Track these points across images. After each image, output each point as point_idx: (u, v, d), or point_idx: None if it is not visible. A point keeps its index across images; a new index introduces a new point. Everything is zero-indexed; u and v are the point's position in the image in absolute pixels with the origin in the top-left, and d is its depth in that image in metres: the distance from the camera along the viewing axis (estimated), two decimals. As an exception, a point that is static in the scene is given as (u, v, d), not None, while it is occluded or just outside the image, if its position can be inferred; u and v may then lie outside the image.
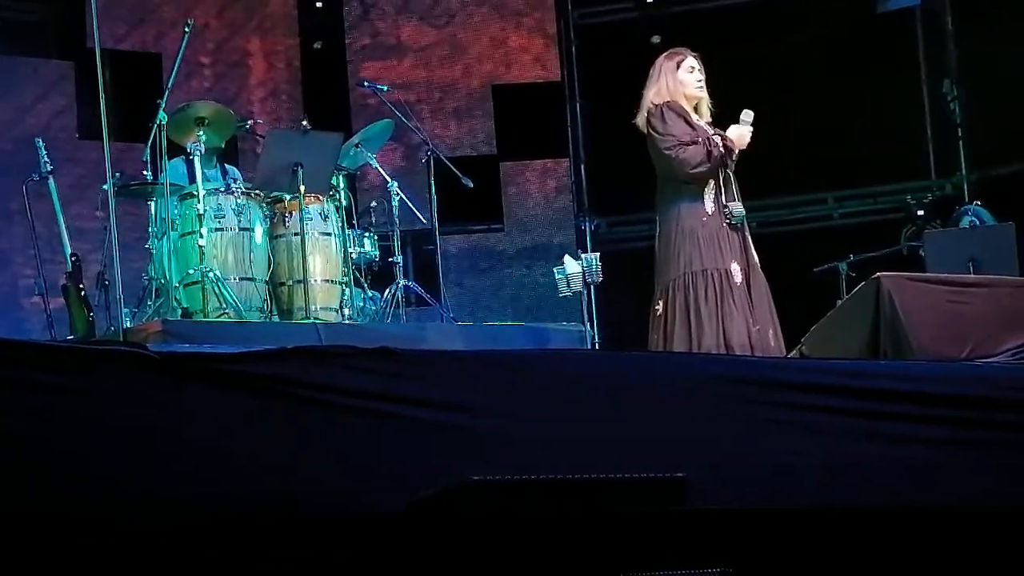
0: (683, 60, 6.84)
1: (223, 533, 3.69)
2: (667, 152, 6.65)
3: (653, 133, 6.73)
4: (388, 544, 3.88)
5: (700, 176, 6.66)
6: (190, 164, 8.12)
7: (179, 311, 7.61)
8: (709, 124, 6.79)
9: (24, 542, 3.51)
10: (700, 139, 6.65)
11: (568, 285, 8.48)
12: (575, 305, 8.85)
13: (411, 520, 3.81)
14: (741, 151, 6.80)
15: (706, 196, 6.70)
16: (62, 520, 3.52)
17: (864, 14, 11.51)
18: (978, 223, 8.92)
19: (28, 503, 3.50)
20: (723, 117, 6.86)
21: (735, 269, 6.63)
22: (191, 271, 7.77)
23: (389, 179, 9.04)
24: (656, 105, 6.74)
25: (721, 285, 6.57)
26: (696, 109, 6.82)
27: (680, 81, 6.80)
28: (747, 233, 6.77)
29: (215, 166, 8.51)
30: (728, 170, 6.75)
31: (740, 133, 6.76)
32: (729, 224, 6.68)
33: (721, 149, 6.65)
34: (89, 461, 3.59)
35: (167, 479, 3.63)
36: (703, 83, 6.82)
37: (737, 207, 6.71)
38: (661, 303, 6.68)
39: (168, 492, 3.61)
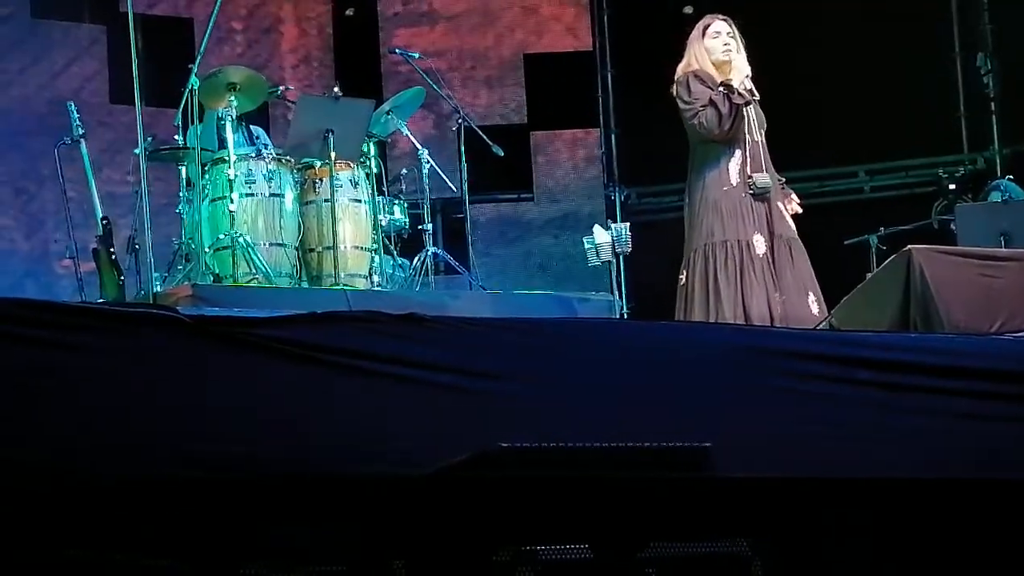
0: (708, 26, 6.72)
1: (249, 494, 3.71)
2: (692, 122, 6.61)
3: (680, 104, 6.68)
4: (413, 508, 3.90)
5: (727, 130, 6.55)
6: (219, 128, 8.11)
7: (209, 276, 7.64)
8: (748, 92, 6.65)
9: (50, 500, 3.54)
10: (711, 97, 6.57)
11: (597, 255, 8.51)
12: (604, 275, 8.87)
13: (436, 485, 3.83)
14: (771, 125, 6.75)
15: (731, 166, 6.63)
16: (90, 478, 3.54)
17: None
18: (1009, 198, 8.87)
19: (57, 462, 3.53)
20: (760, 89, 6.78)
21: (758, 241, 6.56)
22: (221, 236, 7.81)
23: (420, 147, 9.05)
24: (684, 74, 6.70)
25: (741, 257, 6.50)
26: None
27: (705, 48, 6.69)
28: (775, 204, 6.67)
29: (239, 128, 8.51)
30: (755, 139, 6.69)
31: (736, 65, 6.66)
32: (753, 195, 6.64)
33: (724, 92, 6.53)
34: (119, 422, 3.62)
35: (196, 440, 3.66)
36: (730, 48, 6.66)
37: (761, 178, 6.61)
38: (685, 273, 6.66)
39: (196, 453, 3.64)
